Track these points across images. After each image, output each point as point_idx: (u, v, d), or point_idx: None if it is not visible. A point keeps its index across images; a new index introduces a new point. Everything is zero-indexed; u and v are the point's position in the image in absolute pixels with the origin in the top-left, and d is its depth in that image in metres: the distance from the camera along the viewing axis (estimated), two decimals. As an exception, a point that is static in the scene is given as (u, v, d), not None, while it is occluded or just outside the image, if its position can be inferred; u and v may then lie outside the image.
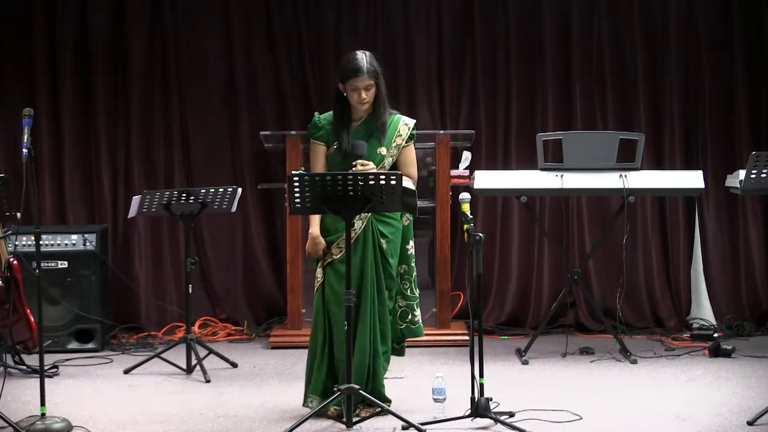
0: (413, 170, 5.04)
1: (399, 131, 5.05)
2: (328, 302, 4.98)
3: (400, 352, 5.19)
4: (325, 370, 4.98)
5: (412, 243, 5.11)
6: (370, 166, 4.85)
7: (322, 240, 4.98)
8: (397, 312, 5.08)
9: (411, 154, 5.08)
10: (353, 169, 4.80)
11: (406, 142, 5.05)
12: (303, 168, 6.45)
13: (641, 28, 7.29)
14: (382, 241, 4.96)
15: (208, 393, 5.56)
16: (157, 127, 7.35)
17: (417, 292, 5.13)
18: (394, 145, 5.03)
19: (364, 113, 5.02)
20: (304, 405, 5.03)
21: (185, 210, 6.02)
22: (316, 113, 5.12)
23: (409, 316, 5.10)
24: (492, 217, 7.31)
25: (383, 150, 5.00)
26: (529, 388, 5.56)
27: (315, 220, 5.00)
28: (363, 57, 4.95)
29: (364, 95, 4.93)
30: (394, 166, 5.04)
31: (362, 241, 4.91)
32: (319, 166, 5.02)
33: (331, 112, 5.06)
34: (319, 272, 5.04)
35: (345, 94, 4.98)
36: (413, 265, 5.11)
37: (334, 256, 4.98)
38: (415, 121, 5.14)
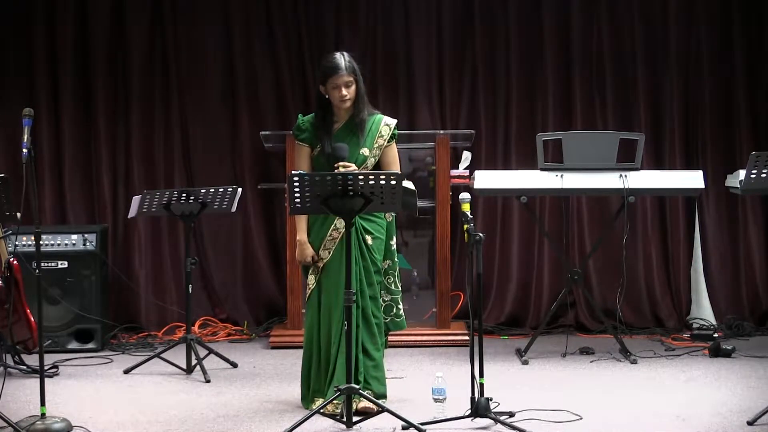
0: (396, 169, 5.07)
1: (381, 132, 5.10)
2: (323, 304, 5.02)
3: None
4: (324, 370, 5.01)
5: (395, 239, 5.20)
6: (352, 168, 4.90)
7: (309, 246, 5.05)
8: (381, 306, 5.14)
9: (393, 153, 5.15)
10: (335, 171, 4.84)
11: (388, 142, 5.11)
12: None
13: (641, 28, 7.29)
14: (367, 237, 5.02)
15: (208, 393, 5.55)
16: (157, 127, 7.35)
17: (400, 287, 5.23)
18: (376, 145, 5.09)
19: (346, 114, 5.07)
20: (305, 406, 5.08)
21: (185, 210, 6.02)
22: (299, 115, 5.16)
23: (393, 310, 5.19)
24: (492, 217, 7.31)
25: (366, 151, 5.05)
26: (529, 388, 5.56)
27: (302, 227, 5.08)
28: (341, 56, 5.03)
29: (345, 92, 4.98)
30: (377, 166, 5.10)
31: (346, 239, 4.92)
32: (303, 168, 5.06)
33: (313, 114, 5.11)
34: (310, 279, 5.10)
35: (327, 96, 5.04)
36: (396, 260, 5.21)
37: (324, 260, 5.04)
38: (396, 120, 5.19)
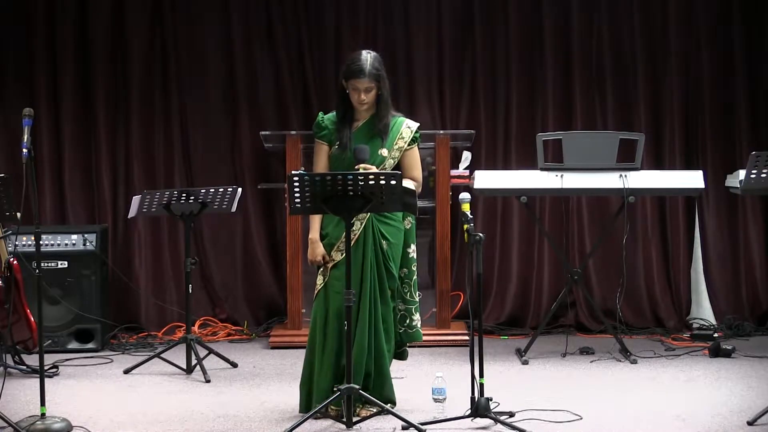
0: (417, 173, 5.04)
1: (401, 134, 5.04)
2: (330, 306, 4.95)
3: (400, 356, 5.19)
4: (326, 372, 4.96)
5: (413, 247, 5.10)
6: (373, 170, 4.84)
7: (321, 245, 4.99)
8: (396, 316, 5.07)
9: (415, 156, 5.07)
10: None
11: (409, 145, 5.04)
12: (303, 168, 6.46)
13: (641, 28, 7.29)
14: (383, 242, 4.95)
15: (208, 393, 5.56)
16: (157, 127, 7.35)
17: (417, 297, 5.13)
18: (396, 147, 5.02)
19: (366, 114, 5.02)
20: (300, 411, 5.00)
21: (185, 210, 6.02)
22: (320, 113, 5.12)
23: (407, 321, 5.10)
24: (492, 217, 7.31)
25: (384, 151, 4.99)
26: (529, 388, 5.56)
27: (315, 226, 5.01)
28: (367, 58, 4.94)
29: (363, 96, 4.93)
30: (397, 168, 5.02)
31: (362, 241, 4.91)
32: (321, 165, 5.03)
33: (334, 112, 5.07)
34: (320, 279, 5.03)
35: (347, 92, 4.99)
36: (414, 269, 5.10)
37: (335, 261, 4.97)
38: (418, 124, 5.13)
